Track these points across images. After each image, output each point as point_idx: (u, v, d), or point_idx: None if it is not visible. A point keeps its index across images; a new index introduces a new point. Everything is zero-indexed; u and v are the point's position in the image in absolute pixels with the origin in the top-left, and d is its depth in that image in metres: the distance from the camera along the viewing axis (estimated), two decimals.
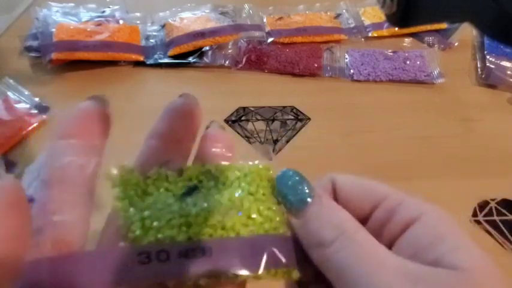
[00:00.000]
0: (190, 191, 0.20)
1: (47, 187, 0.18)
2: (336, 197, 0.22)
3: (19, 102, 0.55)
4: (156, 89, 0.60)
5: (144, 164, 0.21)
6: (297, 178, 0.21)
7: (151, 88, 0.60)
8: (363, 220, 0.21)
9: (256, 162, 0.22)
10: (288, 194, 0.20)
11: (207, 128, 0.24)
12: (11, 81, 0.57)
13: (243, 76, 0.62)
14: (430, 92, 0.61)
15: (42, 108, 0.55)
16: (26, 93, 0.56)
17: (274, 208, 0.21)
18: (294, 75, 0.62)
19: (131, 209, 0.19)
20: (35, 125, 0.53)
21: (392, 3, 0.17)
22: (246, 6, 0.72)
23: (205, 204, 0.19)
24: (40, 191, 0.18)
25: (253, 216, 0.20)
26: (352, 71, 0.63)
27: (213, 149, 0.23)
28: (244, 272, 0.18)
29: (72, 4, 0.71)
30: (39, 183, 0.19)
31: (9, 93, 0.56)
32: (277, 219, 0.20)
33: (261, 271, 0.19)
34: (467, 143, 0.53)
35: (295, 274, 0.19)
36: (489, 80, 0.61)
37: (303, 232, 0.20)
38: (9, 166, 0.47)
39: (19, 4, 0.74)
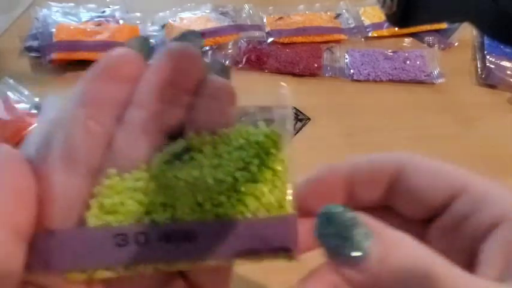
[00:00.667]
0: (181, 153, 0.17)
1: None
2: (399, 184, 0.19)
3: (19, 102, 0.55)
4: None
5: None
6: (345, 220, 0.15)
7: None
8: (434, 213, 0.18)
9: (263, 127, 0.19)
10: (338, 247, 0.15)
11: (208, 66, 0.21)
12: (11, 81, 0.57)
13: (243, 76, 0.62)
14: (430, 92, 0.61)
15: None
16: (26, 93, 0.56)
17: (277, 185, 0.18)
18: (294, 75, 0.62)
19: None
20: (35, 125, 0.53)
21: (392, 3, 0.17)
22: (246, 6, 0.72)
23: (195, 174, 0.17)
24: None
25: (251, 195, 0.17)
26: (352, 71, 0.63)
27: (208, 103, 0.19)
28: (233, 260, 0.16)
29: (72, 4, 0.71)
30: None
31: (9, 93, 0.56)
32: (279, 198, 0.17)
33: (252, 260, 0.17)
34: (467, 143, 0.53)
35: (296, 257, 0.17)
36: (489, 80, 0.61)
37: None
38: None
39: (19, 4, 0.74)
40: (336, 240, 0.15)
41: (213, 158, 0.17)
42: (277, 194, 0.17)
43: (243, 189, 0.17)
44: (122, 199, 0.16)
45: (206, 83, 0.19)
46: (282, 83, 0.22)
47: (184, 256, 0.16)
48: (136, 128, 0.17)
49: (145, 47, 0.22)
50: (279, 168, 0.18)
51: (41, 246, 0.16)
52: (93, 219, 0.16)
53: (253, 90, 0.59)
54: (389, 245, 0.15)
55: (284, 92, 0.21)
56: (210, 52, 0.63)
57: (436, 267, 0.14)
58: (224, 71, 0.23)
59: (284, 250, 0.17)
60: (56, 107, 0.19)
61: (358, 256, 0.15)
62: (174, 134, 0.18)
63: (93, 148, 0.17)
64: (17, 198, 0.16)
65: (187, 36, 0.23)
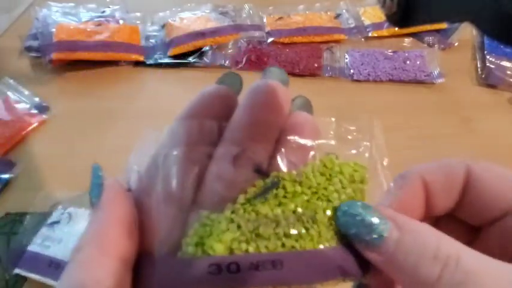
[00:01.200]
0: (268, 188, 0.19)
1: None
2: (467, 189, 0.19)
3: (19, 102, 0.55)
4: (156, 89, 0.60)
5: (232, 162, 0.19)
6: (360, 210, 0.18)
7: (151, 88, 0.60)
8: (494, 219, 0.19)
9: (350, 161, 0.20)
10: (358, 233, 0.18)
11: (292, 101, 0.21)
12: (11, 81, 0.57)
13: (243, 76, 0.62)
14: (430, 92, 0.61)
15: (42, 108, 0.55)
16: (26, 93, 0.56)
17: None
18: (294, 75, 0.62)
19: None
20: (35, 125, 0.53)
21: (392, 3, 0.17)
22: (246, 6, 0.72)
23: (281, 209, 0.19)
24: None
25: (326, 226, 0.19)
26: (352, 71, 0.63)
27: (293, 139, 0.20)
28: (314, 284, 0.18)
29: (72, 4, 0.71)
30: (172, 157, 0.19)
31: (9, 93, 0.56)
32: None
33: (332, 284, 0.18)
34: (467, 143, 0.53)
35: (361, 280, 0.19)
36: (489, 80, 0.61)
37: (392, 270, 0.17)
38: (9, 166, 0.47)
39: (19, 4, 0.74)
40: (354, 228, 0.18)
41: (301, 194, 0.19)
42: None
43: (326, 221, 0.19)
44: (216, 231, 0.18)
45: (291, 118, 0.20)
46: (373, 118, 0.22)
47: (271, 283, 0.18)
48: (227, 164, 0.19)
49: (237, 83, 0.23)
50: (362, 199, 0.20)
51: (143, 272, 0.18)
52: (190, 248, 0.18)
53: None
54: (406, 231, 0.17)
55: (376, 125, 0.22)
56: (210, 52, 0.63)
57: (464, 253, 0.16)
58: (307, 105, 0.23)
59: (356, 275, 0.19)
60: (153, 141, 0.20)
61: (377, 240, 0.17)
62: (261, 169, 0.20)
63: (188, 184, 0.19)
64: (124, 230, 0.18)
65: (274, 72, 0.23)
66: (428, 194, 0.20)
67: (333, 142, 0.21)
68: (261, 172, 0.19)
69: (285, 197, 0.19)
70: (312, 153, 0.20)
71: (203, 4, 0.72)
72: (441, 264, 0.16)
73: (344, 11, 0.73)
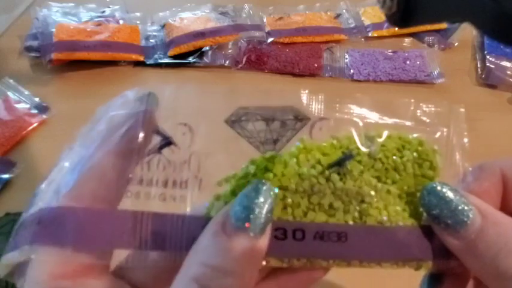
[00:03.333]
0: (342, 161, 0.19)
1: None
2: (505, 188, 0.20)
3: (19, 102, 0.55)
4: (156, 89, 0.60)
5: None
6: (447, 192, 0.18)
7: (151, 88, 0.60)
8: None
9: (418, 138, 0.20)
10: (441, 215, 0.17)
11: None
12: (11, 81, 0.57)
13: (243, 76, 0.62)
14: (430, 92, 0.61)
15: (42, 108, 0.55)
16: (26, 93, 0.56)
17: (418, 195, 0.19)
18: (294, 75, 0.62)
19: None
20: (35, 125, 0.53)
21: (392, 3, 0.17)
22: (246, 6, 0.72)
23: (353, 183, 0.18)
24: None
25: (397, 202, 0.19)
26: (352, 71, 0.63)
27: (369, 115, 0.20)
28: (374, 264, 0.18)
29: (72, 4, 0.71)
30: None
31: (9, 93, 0.56)
32: (416, 207, 0.19)
33: (391, 264, 0.18)
34: (468, 143, 0.53)
35: (428, 266, 0.19)
36: (489, 80, 0.61)
37: (469, 258, 0.17)
38: (9, 166, 0.47)
39: (19, 4, 0.74)
40: (437, 209, 0.18)
41: (374, 170, 0.19)
42: (414, 203, 0.19)
43: (394, 195, 0.19)
44: (287, 196, 0.18)
45: None
46: (457, 105, 0.22)
47: (334, 255, 0.18)
48: None
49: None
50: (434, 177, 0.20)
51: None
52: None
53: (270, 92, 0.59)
54: (490, 220, 0.17)
55: (457, 112, 0.22)
56: (210, 52, 0.63)
57: None
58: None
59: (424, 260, 0.18)
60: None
61: (459, 225, 0.17)
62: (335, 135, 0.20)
63: None
64: None
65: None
66: (506, 190, 0.20)
67: (409, 123, 0.21)
68: (336, 137, 0.20)
69: (358, 169, 0.19)
70: (386, 132, 0.20)
71: (203, 4, 0.72)
72: None
73: (344, 11, 0.73)
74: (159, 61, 0.63)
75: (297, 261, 0.18)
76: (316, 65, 0.63)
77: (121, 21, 0.68)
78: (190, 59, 0.62)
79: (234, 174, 0.19)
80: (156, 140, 0.20)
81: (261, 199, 0.17)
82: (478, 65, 0.64)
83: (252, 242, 0.16)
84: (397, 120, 0.21)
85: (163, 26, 0.68)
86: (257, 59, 0.64)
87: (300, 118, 0.55)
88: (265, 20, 0.70)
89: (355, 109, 0.21)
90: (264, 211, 0.17)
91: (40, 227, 0.17)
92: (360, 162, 0.19)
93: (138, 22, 0.69)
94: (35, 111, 0.54)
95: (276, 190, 0.18)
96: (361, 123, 0.20)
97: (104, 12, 0.70)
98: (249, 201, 0.17)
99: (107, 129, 0.20)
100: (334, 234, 0.18)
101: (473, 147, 0.57)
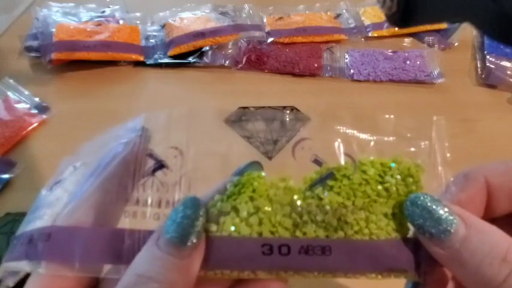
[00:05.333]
0: (324, 179, 0.20)
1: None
2: (489, 195, 0.20)
3: (19, 102, 0.55)
4: (156, 89, 0.60)
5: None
6: (429, 203, 0.18)
7: (151, 88, 0.60)
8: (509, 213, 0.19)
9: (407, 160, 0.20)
10: (424, 225, 0.18)
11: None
12: (11, 81, 0.57)
13: (243, 76, 0.62)
14: (430, 92, 0.61)
15: (42, 108, 0.55)
16: (26, 93, 0.56)
17: (399, 210, 0.20)
18: (294, 75, 0.62)
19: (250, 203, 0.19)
20: (35, 125, 0.53)
21: (392, 3, 0.17)
22: (246, 6, 0.72)
23: (337, 198, 0.19)
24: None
25: (380, 218, 0.19)
26: (352, 71, 0.63)
27: (352, 133, 0.21)
28: (359, 275, 0.19)
29: (72, 4, 0.71)
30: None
31: (9, 93, 0.56)
32: (401, 221, 0.19)
33: (376, 275, 0.19)
34: (467, 143, 0.53)
35: (413, 277, 0.19)
36: (489, 80, 0.61)
37: (455, 267, 0.18)
38: (9, 166, 0.47)
39: (19, 4, 0.74)
40: (421, 219, 0.18)
41: (355, 185, 0.20)
42: (397, 217, 0.20)
43: (376, 212, 0.19)
44: (269, 214, 0.19)
45: None
46: (438, 117, 0.23)
47: (319, 268, 0.19)
48: None
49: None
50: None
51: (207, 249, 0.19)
52: (245, 228, 0.19)
53: (261, 91, 0.59)
54: (474, 229, 0.17)
55: (438, 125, 0.23)
56: (210, 52, 0.63)
57: None
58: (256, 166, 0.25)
59: (407, 271, 0.19)
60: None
61: (443, 234, 0.17)
62: (318, 159, 0.21)
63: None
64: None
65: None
66: (490, 197, 0.20)
67: (391, 138, 0.21)
68: (318, 162, 0.21)
69: (339, 187, 0.20)
70: (369, 145, 0.21)
71: (203, 4, 0.72)
72: (510, 267, 0.16)
73: (344, 11, 0.73)
74: (159, 61, 0.63)
75: (284, 273, 0.19)
76: (316, 65, 0.63)
77: (121, 21, 0.68)
78: (190, 59, 0.62)
79: (221, 197, 0.20)
80: (150, 163, 0.21)
81: (188, 212, 0.18)
82: (478, 65, 0.64)
83: (180, 252, 0.18)
84: (379, 137, 0.21)
85: (163, 26, 0.68)
86: (257, 59, 0.64)
87: (300, 118, 0.55)
88: (265, 20, 0.70)
89: (338, 127, 0.22)
90: (191, 223, 0.18)
91: (50, 244, 0.19)
92: (341, 179, 0.20)
93: (138, 22, 0.69)
94: (35, 111, 0.54)
95: (203, 208, 0.19)
96: (343, 142, 0.21)
97: (104, 12, 0.70)
98: (177, 215, 0.18)
99: (108, 157, 0.22)
100: (319, 248, 0.19)
101: (473, 147, 0.58)
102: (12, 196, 0.45)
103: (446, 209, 0.18)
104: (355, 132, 0.21)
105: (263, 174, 0.20)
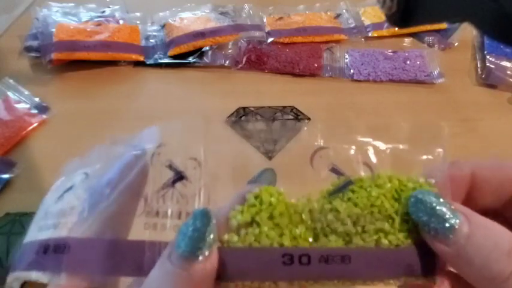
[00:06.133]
0: (342, 187, 0.20)
1: None
2: (472, 186, 0.20)
3: (19, 102, 0.55)
4: (156, 89, 0.60)
5: None
6: (433, 200, 0.18)
7: (151, 88, 0.60)
8: (499, 210, 0.20)
9: (422, 179, 0.21)
10: (428, 222, 0.18)
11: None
12: (11, 81, 0.57)
13: (243, 76, 0.62)
14: (430, 92, 0.61)
15: (42, 108, 0.55)
16: (26, 93, 0.56)
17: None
18: (294, 75, 0.62)
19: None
20: (35, 125, 0.53)
21: (392, 3, 0.17)
22: (246, 6, 0.72)
23: (355, 209, 0.20)
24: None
25: (396, 227, 0.20)
26: (352, 71, 0.63)
27: (368, 142, 0.21)
28: (377, 281, 0.19)
29: (72, 4, 0.71)
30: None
31: (9, 93, 0.56)
32: (416, 227, 0.20)
33: (394, 281, 0.19)
34: (467, 143, 0.53)
35: (429, 280, 0.20)
36: (489, 80, 0.61)
37: (461, 264, 0.18)
38: (9, 166, 0.47)
39: (19, 4, 0.74)
40: (425, 216, 0.18)
41: (372, 195, 0.20)
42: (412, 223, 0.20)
43: (392, 222, 0.20)
44: (290, 227, 0.20)
45: None
46: (442, 124, 0.23)
47: (338, 276, 0.19)
48: None
49: (272, 179, 0.25)
50: None
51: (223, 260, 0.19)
52: (265, 240, 0.19)
53: (260, 91, 0.59)
54: (476, 224, 0.17)
55: (444, 134, 0.23)
56: (210, 52, 0.63)
57: None
58: (271, 178, 0.26)
59: (423, 275, 0.19)
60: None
61: (447, 231, 0.18)
62: (337, 168, 0.21)
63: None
64: None
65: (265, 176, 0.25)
66: (473, 187, 0.21)
67: (405, 146, 0.22)
68: (336, 172, 0.21)
69: (357, 197, 0.20)
70: (385, 154, 0.21)
71: (203, 4, 0.72)
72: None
73: (344, 11, 0.73)
74: (159, 61, 0.63)
75: (305, 283, 0.19)
76: (316, 65, 0.63)
77: (121, 21, 0.68)
78: (190, 59, 0.62)
79: (241, 208, 0.20)
80: (170, 174, 0.22)
81: (198, 225, 0.18)
82: (478, 65, 0.64)
83: (192, 265, 0.18)
84: (394, 145, 0.22)
85: (163, 26, 0.68)
86: (257, 59, 0.64)
87: (300, 118, 0.55)
88: (265, 20, 0.70)
89: (354, 136, 0.23)
90: (202, 236, 0.18)
91: (70, 255, 0.19)
92: (359, 191, 0.20)
93: (138, 22, 0.69)
94: (35, 111, 0.54)
95: (213, 220, 0.19)
96: (359, 151, 0.22)
97: (104, 12, 0.70)
98: (187, 229, 0.18)
99: (123, 166, 0.22)
100: (338, 257, 0.19)
101: (473, 147, 0.58)
102: (12, 196, 0.45)
103: (448, 205, 0.18)
104: (370, 140, 0.22)
105: (281, 190, 0.20)
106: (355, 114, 0.57)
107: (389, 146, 0.22)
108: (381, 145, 0.22)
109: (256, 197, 0.20)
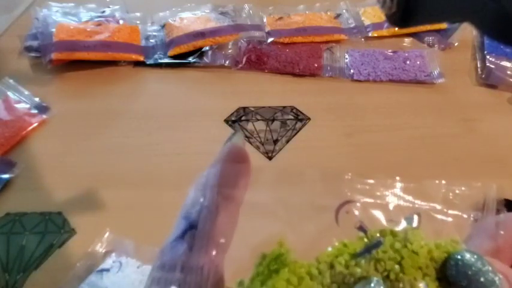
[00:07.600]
0: (370, 248, 0.19)
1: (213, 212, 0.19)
2: None
3: (19, 102, 0.55)
4: (156, 89, 0.60)
5: None
6: (474, 261, 0.17)
7: (151, 88, 0.60)
8: None
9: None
10: (469, 286, 0.17)
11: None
12: (11, 81, 0.57)
13: (243, 76, 0.62)
14: (430, 92, 0.61)
15: (42, 108, 0.55)
16: (26, 93, 0.56)
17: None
18: (294, 75, 0.62)
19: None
20: (35, 125, 0.53)
21: (392, 3, 0.17)
22: (246, 6, 0.72)
23: (379, 271, 0.19)
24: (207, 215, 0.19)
25: (427, 282, 0.19)
26: (352, 71, 0.63)
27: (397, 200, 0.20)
28: None
29: (72, 4, 0.71)
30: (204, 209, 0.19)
31: (9, 93, 0.56)
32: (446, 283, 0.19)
33: None
34: (467, 143, 0.53)
35: None
36: (489, 80, 0.61)
37: None
38: (9, 166, 0.47)
39: (19, 4, 0.74)
40: (465, 280, 0.17)
41: (402, 256, 0.19)
42: None
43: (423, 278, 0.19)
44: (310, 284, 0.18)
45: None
46: (491, 185, 0.22)
47: None
48: None
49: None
50: None
51: None
52: None
53: (259, 91, 0.59)
54: None
55: (491, 195, 0.21)
56: (210, 52, 0.63)
57: None
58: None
59: None
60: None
61: None
62: (363, 226, 0.20)
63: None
64: None
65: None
66: None
67: (439, 206, 0.20)
68: (363, 230, 0.20)
69: (388, 258, 0.19)
70: (415, 216, 0.20)
71: (203, 4, 0.72)
72: None
73: (344, 11, 0.73)
74: (159, 61, 0.63)
75: None
76: (316, 65, 0.63)
77: (121, 21, 0.68)
78: (190, 59, 0.62)
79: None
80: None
81: None
82: (478, 65, 0.64)
83: None
84: (428, 204, 0.21)
85: (163, 26, 0.68)
86: (257, 59, 0.64)
87: (300, 118, 0.55)
88: (265, 20, 0.70)
89: (386, 192, 0.21)
90: None
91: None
92: (387, 251, 0.19)
93: (138, 22, 0.69)
94: (35, 111, 0.54)
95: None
96: (390, 209, 0.20)
97: (104, 12, 0.70)
98: None
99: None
100: None
101: (474, 147, 0.58)
102: (12, 196, 0.45)
103: (489, 267, 0.17)
104: (402, 196, 0.20)
105: (292, 256, 0.19)
106: (355, 114, 0.57)
107: (424, 204, 0.20)
108: (413, 204, 0.20)
109: (265, 265, 0.19)
